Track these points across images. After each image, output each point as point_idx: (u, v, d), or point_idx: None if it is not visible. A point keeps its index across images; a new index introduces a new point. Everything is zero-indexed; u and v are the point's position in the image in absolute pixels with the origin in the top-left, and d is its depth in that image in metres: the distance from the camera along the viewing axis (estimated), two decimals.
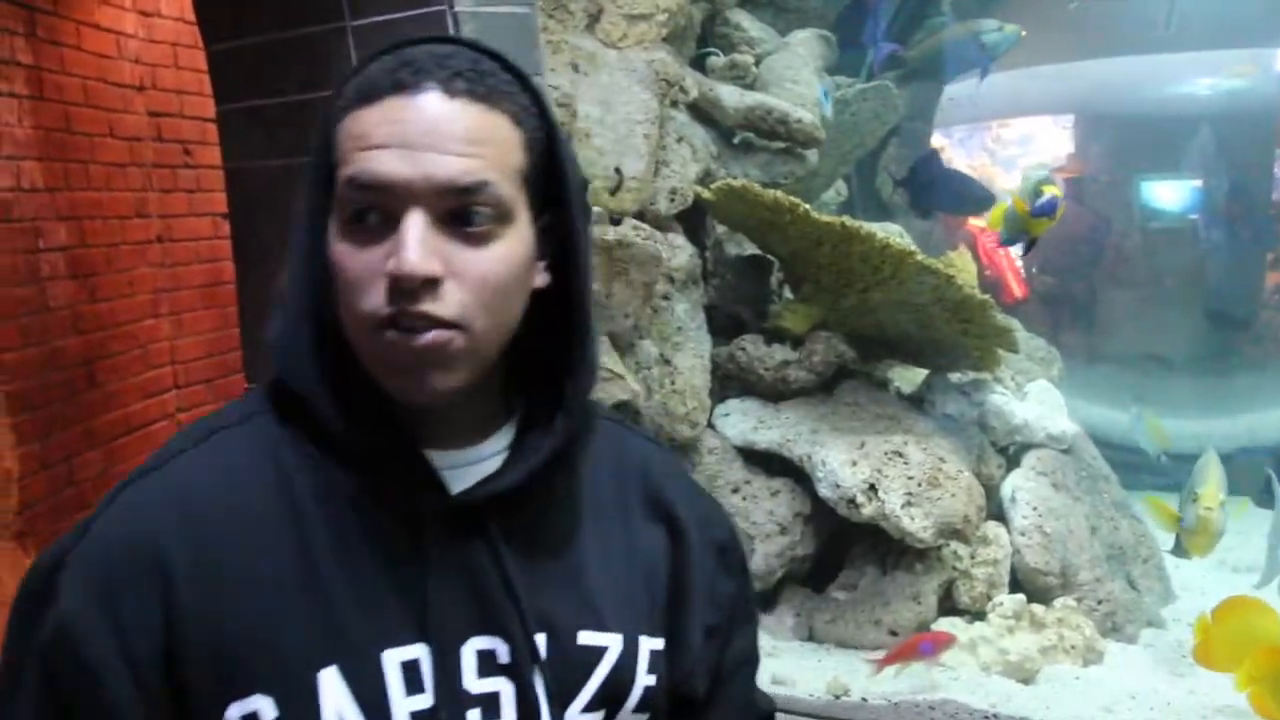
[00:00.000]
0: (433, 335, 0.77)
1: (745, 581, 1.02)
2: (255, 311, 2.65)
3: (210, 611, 0.77)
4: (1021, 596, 2.81)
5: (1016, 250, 3.90)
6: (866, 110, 3.56)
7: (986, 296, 2.76)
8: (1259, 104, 5.04)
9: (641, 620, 0.91)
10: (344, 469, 0.82)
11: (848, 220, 2.67)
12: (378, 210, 0.78)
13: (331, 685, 0.77)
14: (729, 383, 3.01)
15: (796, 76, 3.36)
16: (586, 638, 0.87)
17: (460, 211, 0.78)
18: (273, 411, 0.85)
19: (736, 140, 3.18)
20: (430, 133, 0.77)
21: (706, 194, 2.82)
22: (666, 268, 2.71)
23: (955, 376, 3.17)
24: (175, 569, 0.77)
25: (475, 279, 0.78)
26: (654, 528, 0.94)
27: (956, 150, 5.40)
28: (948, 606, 2.85)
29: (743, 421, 2.92)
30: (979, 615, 2.82)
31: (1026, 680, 2.70)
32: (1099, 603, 2.94)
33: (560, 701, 0.84)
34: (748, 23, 3.48)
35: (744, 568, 1.03)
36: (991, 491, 3.00)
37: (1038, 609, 2.79)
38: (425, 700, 0.79)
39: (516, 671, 0.83)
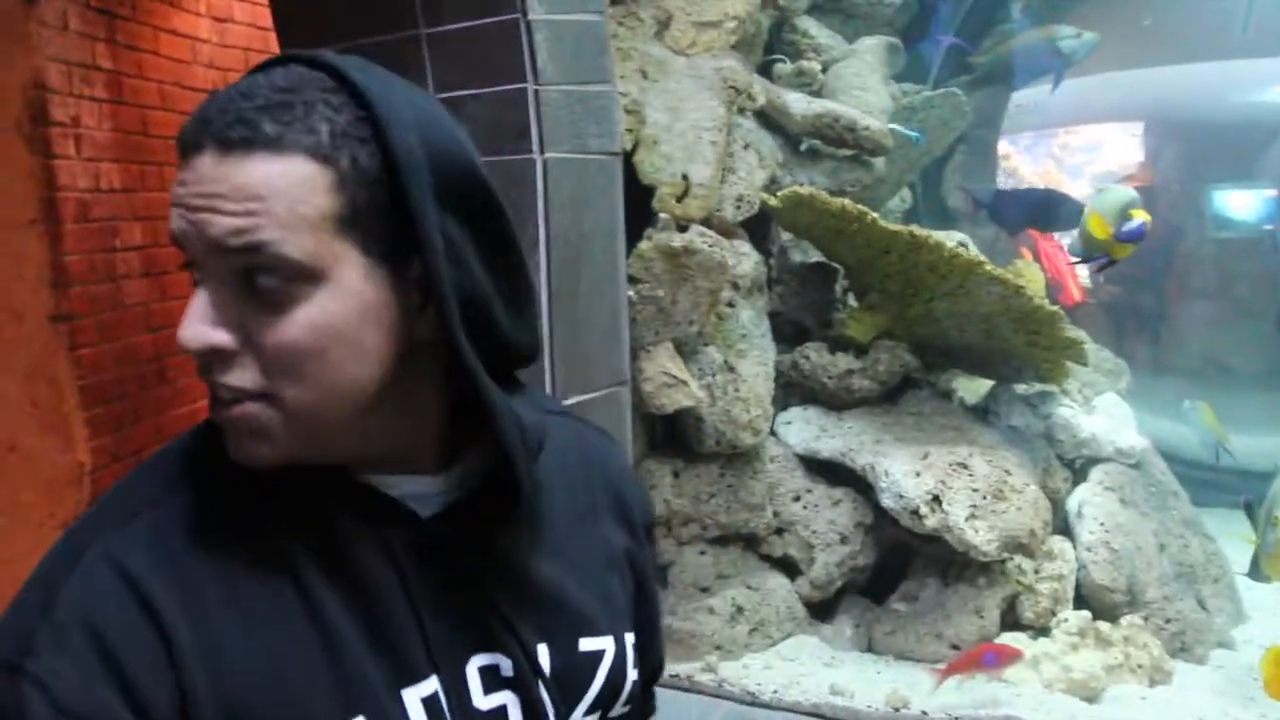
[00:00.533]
0: (238, 409, 0.72)
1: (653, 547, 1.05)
2: None
3: (225, 686, 0.71)
4: (1087, 613, 2.77)
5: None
6: (934, 118, 3.53)
7: (1056, 308, 2.72)
8: None
9: (622, 618, 0.91)
10: (313, 514, 0.77)
11: (916, 229, 2.65)
12: (195, 269, 0.73)
13: None
14: (792, 390, 3.00)
15: (864, 84, 3.34)
16: (586, 644, 0.87)
17: (245, 275, 0.71)
18: (219, 466, 0.77)
19: (803, 147, 3.17)
20: (203, 194, 0.70)
21: (773, 201, 2.82)
22: (731, 275, 2.71)
23: (1021, 388, 3.13)
24: (180, 641, 0.70)
25: (273, 348, 0.71)
26: (619, 527, 0.95)
27: (1023, 157, 5.33)
28: (1010, 621, 2.81)
29: (805, 430, 2.91)
30: (1043, 631, 2.79)
31: (1091, 699, 2.66)
32: (1167, 621, 2.88)
33: (566, 707, 0.84)
34: (815, 29, 3.47)
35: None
36: (1057, 505, 2.96)
37: (1104, 626, 2.74)
38: None
39: (520, 683, 0.82)
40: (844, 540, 2.83)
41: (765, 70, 3.34)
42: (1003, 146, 5.13)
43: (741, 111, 2.95)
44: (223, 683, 0.70)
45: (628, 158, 2.66)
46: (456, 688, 0.79)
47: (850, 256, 2.88)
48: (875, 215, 2.64)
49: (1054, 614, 2.78)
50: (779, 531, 2.87)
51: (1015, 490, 2.67)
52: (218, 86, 4.28)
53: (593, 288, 2.46)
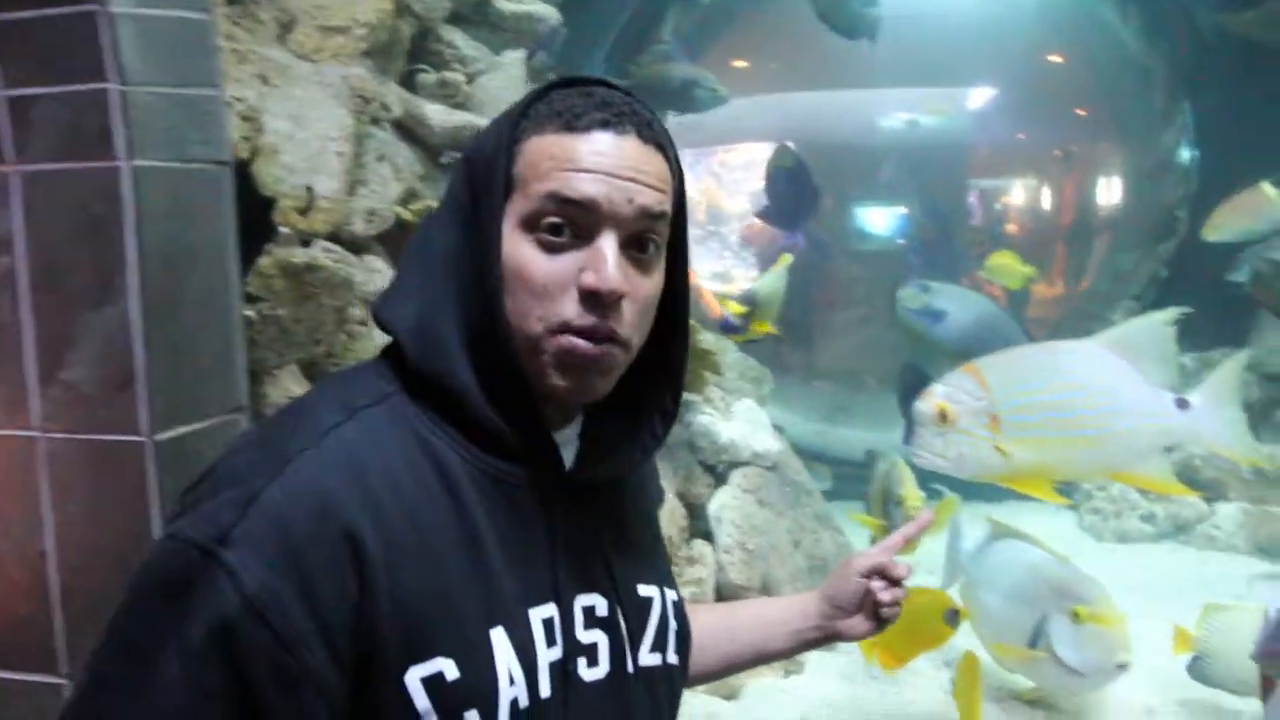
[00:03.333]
0: (607, 347, 0.88)
1: None
2: None
3: (399, 585, 0.82)
4: None
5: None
6: None
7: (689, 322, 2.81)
8: (952, 137, 5.46)
9: (663, 575, 1.06)
10: (483, 449, 0.89)
11: None
12: (572, 225, 0.87)
13: (501, 643, 0.86)
14: None
15: (510, 97, 3.32)
16: (642, 590, 1.01)
17: (639, 238, 0.89)
18: (404, 392, 0.90)
19: (445, 160, 3.10)
20: (633, 168, 0.88)
21: (407, 215, 2.73)
22: (361, 292, 2.59)
23: None
24: (367, 546, 0.81)
25: (641, 301, 0.90)
26: (649, 501, 1.12)
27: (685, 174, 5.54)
28: None
29: None
30: None
31: (730, 696, 2.76)
32: None
33: (634, 646, 0.97)
34: (461, 41, 3.42)
35: None
36: (700, 510, 3.06)
37: None
38: (557, 652, 0.90)
39: (611, 624, 0.95)
40: None
41: (409, 80, 3.26)
42: None
43: (375, 122, 2.84)
44: (398, 585, 0.82)
45: (244, 168, 2.49)
46: (566, 618, 0.91)
47: None
48: None
49: None
50: None
51: None
52: None
53: (199, 308, 2.26)
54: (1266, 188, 3.93)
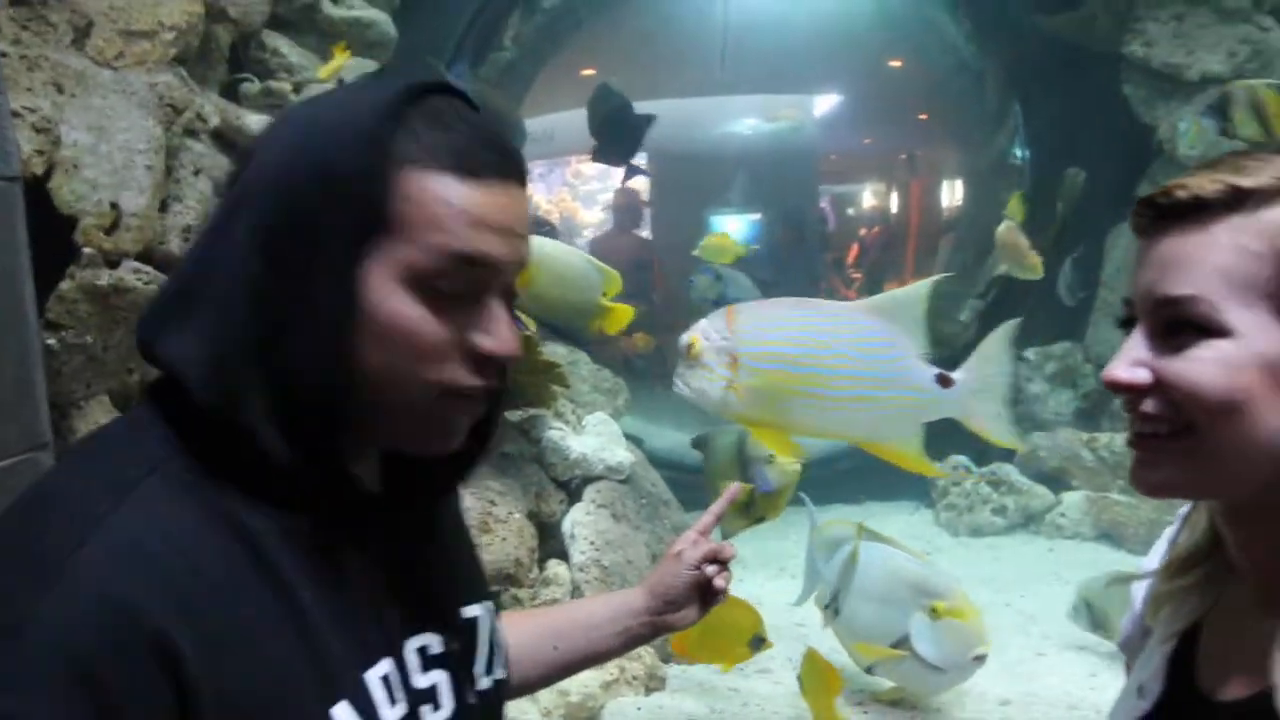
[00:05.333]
0: (484, 405, 0.86)
1: None
2: None
3: (224, 686, 0.72)
4: None
5: None
6: None
7: (531, 333, 2.73)
8: (803, 143, 5.53)
9: (483, 588, 1.02)
10: (286, 506, 0.79)
11: None
12: (464, 284, 0.80)
13: (345, 719, 0.79)
14: None
15: None
16: (468, 612, 0.96)
17: (509, 290, 0.85)
18: (184, 452, 0.77)
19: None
20: (522, 221, 0.83)
21: None
22: None
23: (516, 415, 3.12)
24: (181, 651, 0.70)
25: None
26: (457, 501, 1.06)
27: (537, 185, 5.46)
28: None
29: None
30: None
31: (590, 718, 2.68)
32: None
33: (471, 675, 0.92)
34: (286, 48, 3.26)
35: None
36: (554, 529, 2.97)
37: None
38: (401, 709, 0.83)
39: (446, 658, 0.89)
40: None
41: (232, 90, 3.08)
42: None
43: (192, 134, 2.66)
44: (223, 686, 0.71)
45: (41, 185, 2.30)
46: (403, 668, 0.85)
47: None
48: None
49: None
50: None
51: (500, 520, 2.63)
52: None
53: None
54: (1004, 229, 4.51)
